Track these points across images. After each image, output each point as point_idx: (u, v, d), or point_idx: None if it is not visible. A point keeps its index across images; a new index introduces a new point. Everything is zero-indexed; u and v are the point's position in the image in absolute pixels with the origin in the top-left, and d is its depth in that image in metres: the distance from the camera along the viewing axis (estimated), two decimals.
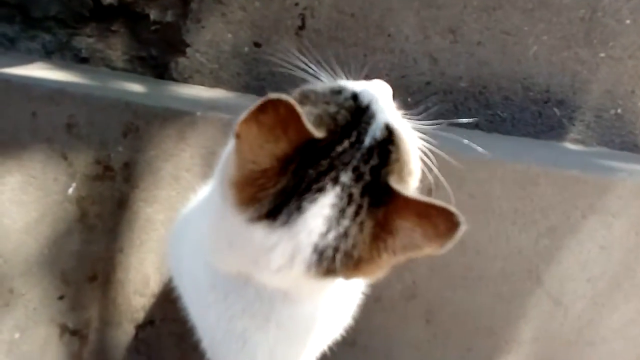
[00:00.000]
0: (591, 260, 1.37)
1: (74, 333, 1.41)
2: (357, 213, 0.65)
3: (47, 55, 1.58)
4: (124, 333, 1.41)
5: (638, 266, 1.38)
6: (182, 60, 1.57)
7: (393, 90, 0.81)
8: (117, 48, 1.59)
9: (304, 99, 0.72)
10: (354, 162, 0.67)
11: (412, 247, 0.66)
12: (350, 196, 0.65)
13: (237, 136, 0.64)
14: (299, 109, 0.61)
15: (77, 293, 1.38)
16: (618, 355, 1.43)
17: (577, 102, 1.62)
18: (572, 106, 1.62)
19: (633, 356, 1.43)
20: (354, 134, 0.68)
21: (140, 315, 1.41)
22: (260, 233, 0.66)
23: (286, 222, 0.65)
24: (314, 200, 0.64)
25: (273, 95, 0.60)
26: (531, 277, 1.38)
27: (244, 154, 0.64)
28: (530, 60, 1.60)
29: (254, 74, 1.59)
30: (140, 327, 1.41)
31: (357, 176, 0.66)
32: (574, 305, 1.40)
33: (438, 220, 0.64)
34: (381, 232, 0.66)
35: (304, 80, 0.82)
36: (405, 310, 1.40)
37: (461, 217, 0.63)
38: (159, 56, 1.58)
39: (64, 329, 1.40)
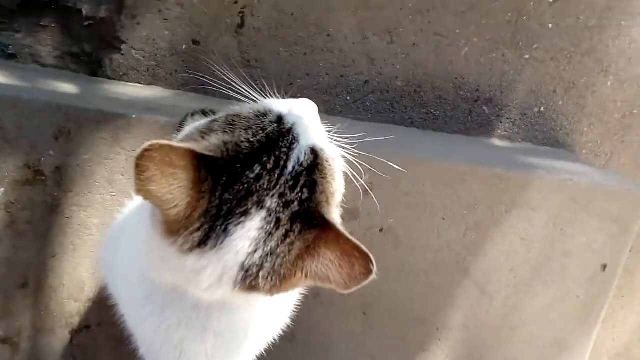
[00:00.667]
0: (513, 251, 1.47)
1: (4, 341, 1.37)
2: (286, 236, 0.68)
3: None
4: (58, 339, 1.39)
5: (555, 255, 1.49)
6: (116, 57, 1.53)
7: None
8: (47, 44, 1.52)
9: (226, 125, 0.73)
10: (280, 189, 0.69)
11: (323, 277, 0.69)
12: (278, 220, 0.68)
13: (139, 182, 0.64)
14: (174, 144, 0.64)
15: (6, 300, 1.34)
16: (538, 337, 1.55)
17: (504, 101, 1.71)
18: (500, 104, 1.71)
19: (551, 337, 1.56)
20: (272, 159, 0.70)
21: (75, 321, 1.38)
22: (191, 260, 0.68)
23: (214, 246, 0.67)
24: (239, 224, 0.67)
25: (146, 144, 0.62)
26: (459, 268, 1.47)
27: (153, 194, 0.64)
28: (462, 61, 1.67)
29: (192, 71, 1.57)
30: (75, 332, 1.39)
31: (285, 203, 0.69)
32: (499, 293, 1.50)
33: (357, 263, 0.67)
34: (305, 253, 0.69)
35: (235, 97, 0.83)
36: (343, 305, 1.45)
37: (375, 268, 0.67)
38: (92, 53, 1.53)
39: None
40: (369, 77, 1.64)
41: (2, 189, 1.27)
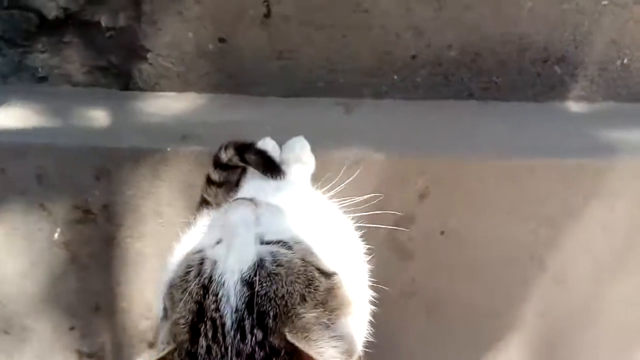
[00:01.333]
0: (593, 241, 1.33)
1: (90, 356, 1.47)
2: None
3: (3, 78, 1.47)
4: (137, 352, 1.47)
5: None
6: (145, 67, 1.45)
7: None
8: (73, 60, 1.47)
9: (170, 299, 0.67)
10: (232, 352, 0.61)
11: None
12: None
13: None
14: None
15: (85, 323, 1.42)
16: (621, 322, 1.44)
17: (579, 57, 1.47)
18: (574, 62, 1.48)
19: (636, 321, 1.45)
20: (208, 324, 0.62)
21: (149, 335, 1.45)
22: None
23: None
24: None
25: None
26: (532, 262, 1.36)
27: None
28: (526, 17, 1.43)
29: (224, 71, 1.46)
30: (152, 345, 1.46)
31: (248, 359, 0.61)
32: (577, 284, 1.39)
33: None
34: None
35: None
36: (405, 307, 1.41)
37: None
38: (119, 64, 1.46)
39: (80, 354, 1.47)
40: (416, 51, 1.46)
41: (58, 229, 1.29)
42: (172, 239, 1.08)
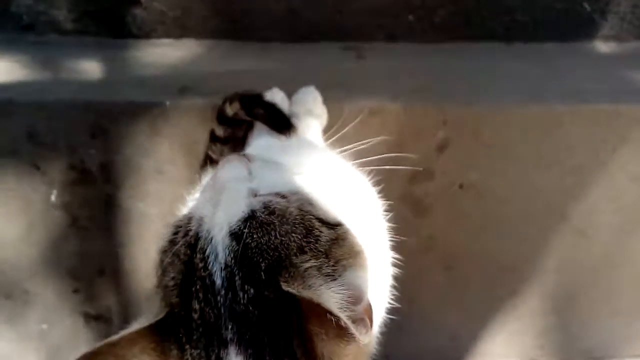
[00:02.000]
0: (620, 192, 1.26)
1: (97, 318, 1.43)
2: (276, 349, 0.55)
3: None
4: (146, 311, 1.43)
5: None
6: (138, 11, 1.33)
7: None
8: (61, 5, 1.34)
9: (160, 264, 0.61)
10: (225, 312, 0.55)
11: (334, 353, 0.54)
12: (253, 339, 0.55)
13: None
14: (112, 340, 0.54)
15: (89, 286, 1.37)
16: None
17: None
18: None
19: None
20: (197, 284, 0.56)
21: None
22: None
23: None
24: None
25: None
26: (554, 215, 1.29)
27: None
28: None
29: (224, 14, 1.34)
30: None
31: (241, 319, 0.55)
32: (600, 235, 1.33)
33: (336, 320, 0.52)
34: (307, 343, 0.54)
35: None
36: (423, 262, 1.36)
37: (363, 330, 0.52)
38: (111, 9, 1.34)
39: (87, 317, 1.43)
40: None
41: (55, 190, 1.22)
42: (176, 197, 1.01)
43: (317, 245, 0.59)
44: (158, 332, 0.56)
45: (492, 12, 1.36)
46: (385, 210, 0.90)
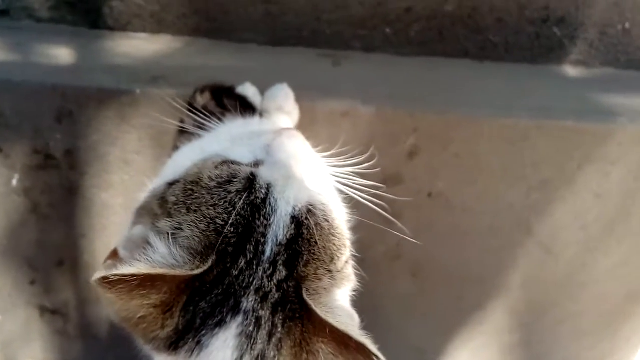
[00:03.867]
0: (585, 208, 1.28)
1: (54, 312, 1.39)
2: (271, 334, 0.55)
3: None
4: (104, 308, 1.39)
5: (634, 210, 1.29)
6: (116, 3, 1.33)
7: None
8: None
9: (186, 199, 0.58)
10: (257, 283, 0.55)
11: None
12: (258, 320, 0.55)
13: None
14: (149, 270, 0.51)
15: (47, 277, 1.33)
16: (609, 293, 1.41)
17: (579, 19, 1.40)
18: (574, 24, 1.40)
19: (623, 293, 1.42)
20: (252, 246, 0.56)
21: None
22: None
23: (189, 358, 0.55)
24: (214, 335, 0.54)
25: (99, 275, 0.50)
26: (521, 229, 1.31)
27: (113, 306, 0.53)
28: None
29: (203, 13, 1.35)
30: None
31: (263, 296, 0.55)
32: (566, 252, 1.35)
33: (358, 356, 0.53)
34: (302, 353, 0.55)
35: None
36: (390, 270, 1.35)
37: (381, 356, 0.52)
38: (88, 0, 1.34)
39: (43, 310, 1.38)
40: (411, 3, 1.36)
41: (17, 175, 1.19)
42: (141, 189, 1.00)
43: (339, 262, 0.61)
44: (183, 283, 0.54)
45: (466, 31, 1.40)
46: (352, 213, 0.90)
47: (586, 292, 1.41)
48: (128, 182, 1.20)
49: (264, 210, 0.57)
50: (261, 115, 1.04)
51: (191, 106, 1.04)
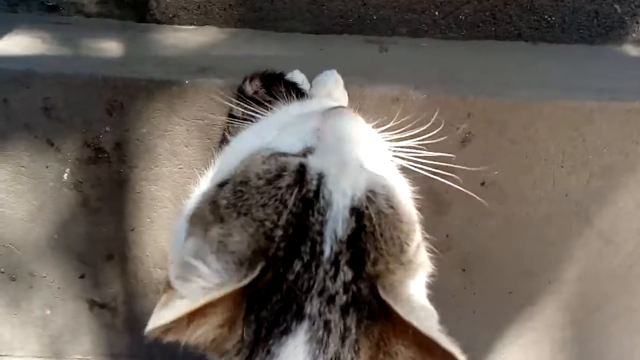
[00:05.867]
0: None
1: (102, 306, 1.40)
2: (344, 337, 0.50)
3: (11, 8, 1.36)
4: (152, 302, 1.39)
5: None
6: None
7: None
8: None
9: (237, 201, 0.53)
10: (319, 286, 0.50)
11: None
12: (327, 324, 0.50)
13: None
14: (200, 303, 0.47)
15: (96, 271, 1.34)
16: None
17: None
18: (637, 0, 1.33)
19: None
20: (308, 246, 0.50)
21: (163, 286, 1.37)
22: None
23: None
24: (282, 344, 0.50)
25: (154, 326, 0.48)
26: (579, 219, 1.24)
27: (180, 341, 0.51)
28: None
29: (248, 3, 1.33)
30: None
31: (329, 299, 0.50)
32: (627, 242, 1.28)
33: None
34: (379, 354, 0.51)
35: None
36: (438, 263, 1.30)
37: None
38: None
39: (92, 304, 1.39)
40: None
41: (68, 169, 1.20)
42: (189, 181, 0.98)
43: (409, 248, 0.55)
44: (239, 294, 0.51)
45: (520, 11, 1.34)
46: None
47: None
48: (177, 175, 1.20)
49: (318, 205, 0.51)
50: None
51: (241, 95, 1.02)
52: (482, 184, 1.20)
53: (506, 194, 1.21)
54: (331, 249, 0.50)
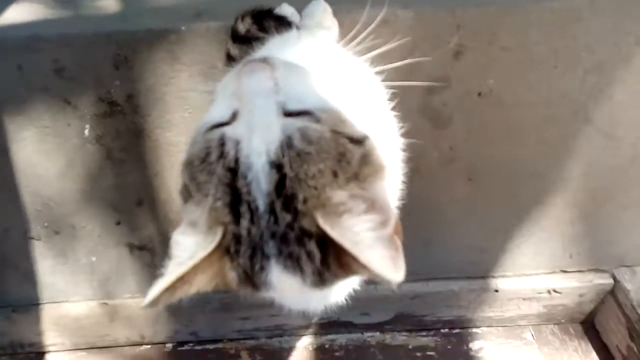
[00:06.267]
0: None
1: (141, 248, 1.53)
2: (312, 259, 0.60)
3: None
4: None
5: None
6: None
7: None
8: None
9: (193, 187, 0.64)
10: (267, 233, 0.59)
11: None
12: (291, 255, 0.60)
13: None
14: (180, 273, 0.58)
15: (130, 217, 1.46)
16: None
17: None
18: None
19: None
20: (244, 207, 0.60)
21: None
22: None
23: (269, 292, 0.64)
24: (267, 276, 0.62)
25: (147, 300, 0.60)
26: (578, 117, 1.28)
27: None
28: None
29: None
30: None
31: (282, 238, 0.60)
32: (628, 135, 1.31)
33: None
34: (343, 265, 0.60)
35: None
36: (445, 174, 1.37)
37: (396, 274, 0.55)
38: None
39: (131, 247, 1.52)
40: None
41: (87, 125, 1.29)
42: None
43: (348, 168, 0.61)
44: (217, 252, 0.61)
45: None
46: (404, 122, 0.92)
47: None
48: (188, 119, 1.27)
49: (240, 171, 0.59)
50: (298, 28, 1.06)
51: (235, 34, 1.07)
52: (479, 94, 1.24)
53: (504, 101, 1.25)
54: (264, 202, 0.59)
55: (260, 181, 0.58)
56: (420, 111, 1.27)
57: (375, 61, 0.95)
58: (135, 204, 1.44)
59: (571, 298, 1.60)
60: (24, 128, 1.28)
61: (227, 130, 0.61)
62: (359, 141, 0.63)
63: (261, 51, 0.92)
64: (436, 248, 1.52)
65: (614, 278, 1.55)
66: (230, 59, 1.10)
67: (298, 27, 1.06)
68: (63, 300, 1.63)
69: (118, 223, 1.47)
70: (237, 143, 0.60)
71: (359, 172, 0.62)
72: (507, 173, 1.37)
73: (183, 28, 1.14)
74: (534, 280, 1.58)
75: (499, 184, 1.39)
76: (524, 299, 1.61)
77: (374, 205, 0.61)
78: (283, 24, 1.02)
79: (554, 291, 1.58)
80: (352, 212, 0.60)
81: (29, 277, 1.57)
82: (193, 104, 1.25)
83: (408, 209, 1.42)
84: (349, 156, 0.61)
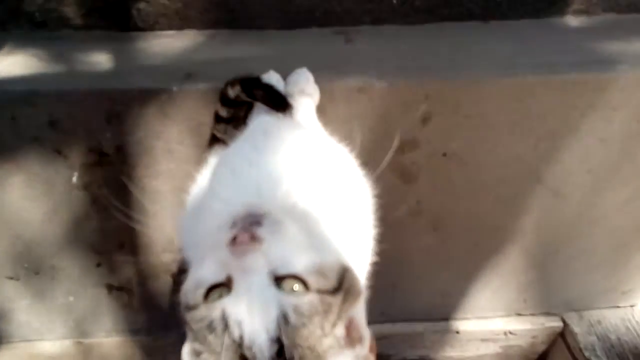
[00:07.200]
0: (591, 153, 1.38)
1: (120, 289, 1.57)
2: None
3: (2, 26, 1.47)
4: (164, 282, 1.57)
5: (638, 151, 1.39)
6: (142, 5, 1.44)
7: None
8: (70, 2, 1.45)
9: (198, 334, 0.69)
10: None
11: None
12: None
13: None
14: None
15: (111, 259, 1.51)
16: (617, 227, 1.52)
17: None
18: None
19: (632, 226, 1.53)
20: None
21: (173, 267, 1.54)
22: None
23: None
24: None
25: None
26: (531, 178, 1.42)
27: None
28: None
29: (223, 6, 1.45)
30: (177, 275, 1.56)
31: None
32: (574, 194, 1.46)
33: None
34: None
35: None
36: (413, 225, 1.48)
37: None
38: (117, 4, 1.45)
39: (110, 288, 1.56)
40: None
41: (76, 173, 1.34)
42: (186, 175, 1.14)
43: (332, 316, 0.69)
44: None
45: None
46: (376, 179, 1.03)
47: (597, 228, 1.52)
48: (174, 170, 1.34)
49: (245, 345, 0.66)
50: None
51: (224, 98, 1.17)
52: (444, 154, 1.37)
53: (466, 162, 1.38)
54: None
55: (263, 351, 0.66)
56: (391, 168, 1.38)
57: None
58: (117, 247, 1.49)
59: (525, 339, 1.73)
60: (12, 174, 1.33)
61: (228, 306, 0.67)
62: (339, 287, 0.72)
63: (243, 144, 1.00)
64: (403, 292, 1.62)
65: (564, 321, 1.68)
66: (219, 119, 1.19)
67: (284, 94, 1.16)
68: (37, 339, 1.64)
69: (98, 265, 1.52)
70: (240, 323, 0.66)
71: (341, 311, 0.71)
72: (468, 225, 1.49)
73: (174, 88, 1.23)
74: (491, 323, 1.70)
75: (461, 234, 1.51)
76: (482, 340, 1.72)
77: (351, 323, 0.71)
78: (269, 93, 1.11)
79: (510, 333, 1.71)
80: (335, 346, 0.69)
81: (4, 315, 1.59)
82: (179, 155, 1.32)
83: (377, 256, 1.53)
84: (333, 307, 0.69)
